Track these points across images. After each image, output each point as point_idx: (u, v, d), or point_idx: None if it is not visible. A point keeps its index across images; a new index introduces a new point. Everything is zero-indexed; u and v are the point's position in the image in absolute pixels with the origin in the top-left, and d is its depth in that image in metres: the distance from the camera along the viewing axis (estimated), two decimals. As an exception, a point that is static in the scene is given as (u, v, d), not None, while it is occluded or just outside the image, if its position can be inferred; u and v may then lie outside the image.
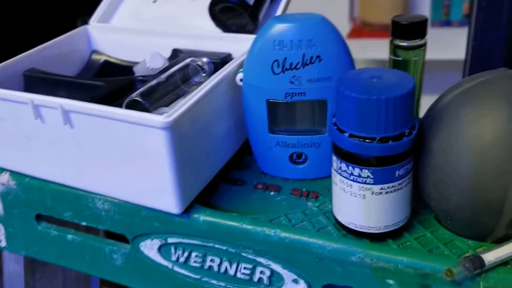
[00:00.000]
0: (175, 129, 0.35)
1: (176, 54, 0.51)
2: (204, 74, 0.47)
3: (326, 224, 0.39)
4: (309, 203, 0.42)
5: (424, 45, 0.45)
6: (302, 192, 0.44)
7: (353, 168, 0.33)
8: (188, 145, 0.38)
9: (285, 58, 0.39)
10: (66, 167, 0.43)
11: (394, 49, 0.45)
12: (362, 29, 1.17)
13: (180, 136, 0.37)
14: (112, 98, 0.42)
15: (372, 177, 0.33)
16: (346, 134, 0.32)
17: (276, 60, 0.39)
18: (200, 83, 0.46)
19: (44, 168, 0.45)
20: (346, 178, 0.34)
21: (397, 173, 0.33)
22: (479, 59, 0.41)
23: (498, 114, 0.30)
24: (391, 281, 0.36)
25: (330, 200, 0.42)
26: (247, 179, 0.46)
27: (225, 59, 0.49)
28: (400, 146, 0.32)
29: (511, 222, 0.32)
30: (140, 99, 0.38)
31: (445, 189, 0.33)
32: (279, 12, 0.52)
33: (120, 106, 0.40)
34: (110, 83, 0.43)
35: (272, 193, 0.44)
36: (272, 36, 0.39)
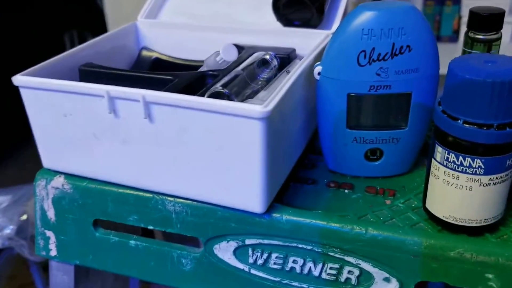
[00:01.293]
0: (270, 121, 0.35)
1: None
2: (271, 70, 0.47)
3: (417, 220, 0.39)
4: (388, 201, 0.42)
5: (500, 38, 0.45)
6: (378, 190, 0.43)
7: (464, 158, 0.33)
8: (276, 138, 0.37)
9: (373, 48, 0.39)
10: (135, 167, 0.41)
11: (471, 42, 0.45)
12: None
13: (273, 129, 0.36)
14: (183, 93, 0.42)
15: (483, 167, 0.33)
16: (460, 121, 0.32)
17: (363, 51, 0.39)
18: (268, 79, 0.46)
19: (108, 169, 0.43)
20: (453, 169, 0.34)
21: (507, 162, 0.33)
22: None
23: None
24: (490, 275, 0.36)
25: (415, 196, 0.42)
26: (316, 177, 0.46)
27: (291, 54, 0.49)
28: (516, 133, 0.32)
29: None
30: (224, 90, 0.38)
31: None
32: (341, 5, 0.53)
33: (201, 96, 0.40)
34: (180, 77, 0.43)
35: (346, 191, 0.44)
36: (361, 24, 0.39)
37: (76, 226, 0.47)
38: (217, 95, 0.39)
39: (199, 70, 0.46)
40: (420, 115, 0.42)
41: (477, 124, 0.31)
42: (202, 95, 0.39)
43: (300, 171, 0.47)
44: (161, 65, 0.54)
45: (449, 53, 1.13)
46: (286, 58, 0.48)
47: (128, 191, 0.43)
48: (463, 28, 1.14)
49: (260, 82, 0.46)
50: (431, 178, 0.36)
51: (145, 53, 0.55)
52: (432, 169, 0.36)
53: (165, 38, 0.55)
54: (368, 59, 0.39)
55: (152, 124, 0.38)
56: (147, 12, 0.57)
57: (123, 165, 0.42)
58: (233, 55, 0.44)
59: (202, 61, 0.53)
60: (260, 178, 0.37)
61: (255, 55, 0.46)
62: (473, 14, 0.44)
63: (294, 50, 0.50)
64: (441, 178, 0.35)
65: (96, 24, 1.48)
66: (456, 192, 0.34)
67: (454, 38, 1.16)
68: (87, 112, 0.40)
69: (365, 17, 0.39)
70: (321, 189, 0.44)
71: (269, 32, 0.52)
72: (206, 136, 0.37)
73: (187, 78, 0.43)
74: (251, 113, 0.34)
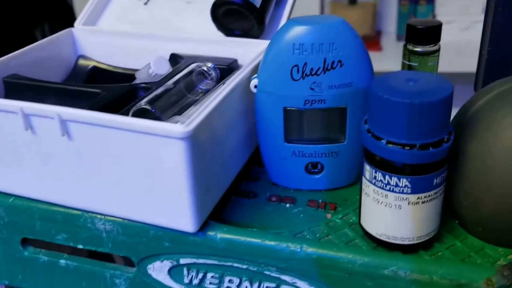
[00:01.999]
0: (194, 140, 0.34)
1: (175, 60, 0.51)
2: (210, 81, 0.47)
3: (353, 237, 0.39)
4: (329, 215, 0.42)
5: (439, 50, 0.46)
6: (319, 204, 0.44)
7: (390, 177, 0.33)
8: (205, 156, 0.37)
9: (305, 63, 0.39)
10: (61, 184, 0.40)
11: (409, 54, 0.46)
12: None
13: (198, 147, 0.35)
14: (112, 107, 0.41)
15: (410, 186, 0.33)
16: (383, 141, 0.33)
17: (295, 65, 0.39)
18: (206, 90, 0.46)
19: (34, 186, 0.42)
20: (382, 188, 0.34)
21: (434, 181, 0.34)
22: (495, 65, 0.43)
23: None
24: (424, 294, 0.36)
25: (353, 211, 0.42)
26: (258, 191, 0.46)
27: (232, 65, 0.48)
28: (440, 152, 0.32)
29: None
30: (149, 107, 0.37)
31: (480, 196, 0.34)
32: (284, 15, 0.53)
33: (126, 113, 0.39)
34: (109, 91, 0.42)
35: (287, 205, 0.44)
36: (292, 39, 0.39)
37: (3, 245, 0.46)
38: (142, 112, 0.38)
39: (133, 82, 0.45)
40: (358, 129, 0.43)
41: (400, 144, 0.32)
42: (128, 111, 0.39)
43: (243, 183, 0.47)
44: (98, 74, 0.53)
45: None
46: (226, 69, 0.48)
47: (56, 209, 0.42)
48: None
49: (199, 93, 0.45)
50: (362, 195, 0.37)
51: (82, 62, 0.53)
52: (363, 186, 0.36)
53: (103, 46, 0.54)
54: (301, 74, 0.39)
55: (71, 142, 0.37)
56: (85, 18, 0.56)
57: (47, 182, 0.41)
58: (164, 68, 0.43)
59: (142, 70, 0.52)
60: (189, 197, 0.37)
61: (192, 65, 0.45)
62: (410, 27, 0.45)
63: (235, 60, 0.50)
64: (371, 196, 0.35)
65: (67, 18, 1.46)
66: (386, 211, 0.35)
67: None
68: (5, 128, 0.39)
69: (296, 32, 0.39)
70: (262, 203, 0.44)
71: (211, 41, 0.51)
72: (128, 155, 0.36)
73: (116, 91, 0.42)
74: (172, 133, 0.34)
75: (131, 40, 0.53)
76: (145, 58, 0.52)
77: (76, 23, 0.55)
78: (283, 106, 0.41)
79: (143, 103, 0.38)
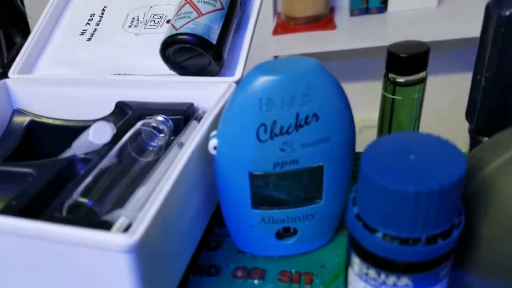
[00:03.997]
0: (141, 248, 0.25)
1: (121, 109, 0.40)
2: (162, 135, 0.37)
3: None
4: (306, 291, 0.33)
5: (426, 77, 0.37)
6: (293, 276, 0.34)
7: (387, 275, 0.25)
8: (157, 255, 0.27)
9: (274, 121, 0.30)
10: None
11: (392, 86, 0.37)
12: (287, 24, 1.14)
13: (148, 252, 0.26)
14: (49, 191, 0.31)
15: (411, 285, 0.25)
16: (379, 234, 0.24)
17: (263, 124, 0.30)
18: (159, 147, 0.36)
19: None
20: (375, 287, 0.25)
21: (441, 274, 0.25)
22: (494, 94, 0.34)
23: None
24: None
25: (333, 283, 0.34)
26: (221, 263, 0.36)
27: (187, 112, 0.39)
28: (450, 243, 0.24)
29: None
30: (84, 200, 0.28)
31: (496, 285, 0.26)
32: (245, 44, 0.43)
33: (60, 205, 0.29)
34: (42, 169, 0.32)
35: (256, 281, 0.34)
36: (257, 93, 0.29)
37: None
38: (77, 206, 0.28)
39: (66, 152, 0.35)
40: (337, 184, 0.33)
41: (401, 239, 0.23)
42: (60, 207, 0.29)
43: (203, 254, 0.37)
44: (36, 129, 0.42)
45: (378, 25, 1.10)
46: (180, 120, 0.38)
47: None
48: None
49: (151, 153, 0.36)
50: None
51: (17, 118, 0.43)
52: (350, 279, 0.27)
53: (41, 97, 0.43)
54: (270, 134, 0.30)
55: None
56: (21, 65, 0.45)
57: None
58: (106, 136, 0.33)
59: (86, 121, 0.42)
60: None
61: (139, 124, 0.35)
62: (392, 55, 0.36)
63: (191, 105, 0.40)
64: (363, 290, 0.26)
65: (20, 24, 1.33)
66: (383, 308, 0.26)
67: (382, 8, 1.13)
68: None
69: (262, 84, 0.29)
70: (226, 281, 0.35)
71: (162, 84, 0.41)
72: (62, 266, 0.26)
73: (51, 168, 0.32)
74: (113, 246, 0.24)
75: (72, 87, 0.43)
76: (89, 107, 0.42)
77: (10, 72, 0.44)
78: (249, 171, 0.32)
79: (76, 196, 0.28)
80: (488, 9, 0.30)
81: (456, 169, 0.22)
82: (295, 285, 0.34)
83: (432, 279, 0.24)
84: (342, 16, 1.16)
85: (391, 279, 0.24)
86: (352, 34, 1.10)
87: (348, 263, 0.27)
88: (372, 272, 0.25)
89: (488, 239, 0.25)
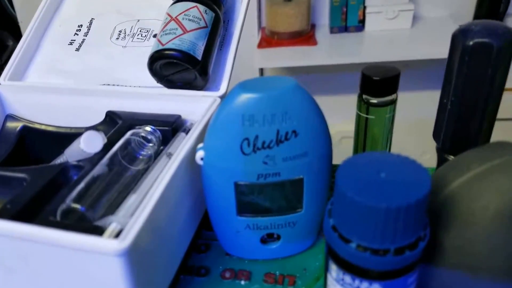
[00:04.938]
0: (132, 253, 0.25)
1: (111, 119, 0.41)
2: (151, 145, 0.38)
3: (318, 327, 0.32)
4: (288, 292, 0.35)
5: (396, 99, 0.39)
6: (277, 278, 0.36)
7: (360, 281, 0.26)
8: (148, 258, 0.28)
9: (256, 136, 0.31)
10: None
11: (366, 106, 0.39)
12: (271, 39, 1.16)
13: (139, 256, 0.26)
14: (42, 196, 0.31)
15: (383, 289, 0.26)
16: (353, 245, 0.25)
17: (246, 139, 0.31)
18: (149, 156, 0.37)
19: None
20: (351, 291, 0.27)
21: (409, 281, 0.26)
22: (459, 117, 0.36)
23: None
24: None
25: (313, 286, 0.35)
26: (210, 264, 0.37)
27: (175, 123, 0.39)
28: (416, 254, 0.25)
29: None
30: (77, 206, 0.28)
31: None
32: (229, 60, 0.44)
33: (54, 210, 0.30)
34: (36, 174, 0.32)
35: (242, 282, 0.36)
36: (240, 109, 0.30)
37: None
38: (70, 211, 0.29)
39: (58, 158, 0.35)
40: (317, 194, 0.35)
41: (372, 250, 0.24)
42: (54, 212, 0.29)
43: (193, 256, 0.38)
44: (29, 135, 0.43)
45: (356, 42, 1.13)
46: (168, 131, 0.39)
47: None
48: (368, 17, 1.14)
49: (141, 162, 0.36)
50: (328, 289, 0.29)
51: (10, 124, 0.43)
52: (328, 282, 0.28)
53: (33, 104, 0.43)
54: (253, 147, 0.31)
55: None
56: (11, 72, 0.45)
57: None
58: (97, 145, 0.34)
59: (77, 128, 0.42)
60: None
61: (128, 134, 0.36)
62: (366, 77, 0.37)
63: (179, 116, 0.40)
64: (338, 294, 0.28)
65: (12, 28, 1.31)
66: (356, 311, 0.27)
67: (360, 27, 1.17)
68: None
69: (245, 101, 0.30)
70: (214, 281, 0.36)
71: (150, 96, 0.42)
72: (57, 269, 0.27)
73: (45, 174, 0.33)
74: (104, 250, 0.25)
75: (63, 96, 0.43)
76: (80, 115, 0.42)
77: (1, 78, 0.44)
78: (234, 181, 0.33)
79: (69, 201, 0.29)
80: (454, 38, 0.32)
81: (421, 187, 0.23)
82: (279, 286, 0.35)
83: (401, 285, 0.26)
84: (322, 33, 1.19)
85: (364, 285, 0.26)
86: (332, 50, 1.13)
87: (326, 268, 0.28)
88: (347, 278, 0.26)
89: (450, 250, 0.27)
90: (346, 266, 0.26)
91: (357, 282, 0.26)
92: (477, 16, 1.13)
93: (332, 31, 1.17)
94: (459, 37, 0.32)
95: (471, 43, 0.31)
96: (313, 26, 1.22)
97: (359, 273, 0.25)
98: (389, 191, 0.23)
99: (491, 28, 0.30)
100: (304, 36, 1.16)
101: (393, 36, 1.13)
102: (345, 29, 1.17)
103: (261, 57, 1.12)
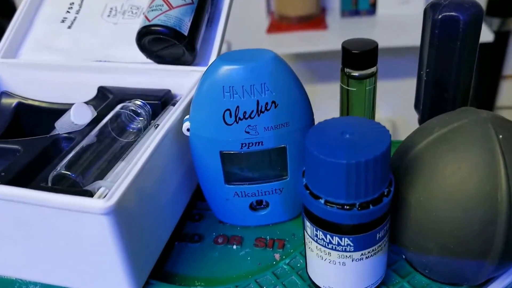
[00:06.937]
0: (118, 212, 0.28)
1: (103, 94, 0.44)
2: (141, 118, 0.41)
3: (301, 285, 0.35)
4: (277, 255, 0.38)
5: (376, 72, 0.42)
6: (267, 242, 0.39)
7: (332, 236, 0.29)
8: (136, 220, 0.31)
9: (237, 107, 0.34)
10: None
11: (348, 79, 0.42)
12: (280, 23, 1.17)
13: (126, 215, 0.29)
14: (35, 165, 0.35)
15: (352, 245, 0.29)
16: (322, 201, 0.28)
17: (227, 109, 0.34)
18: (139, 129, 0.40)
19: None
20: (324, 246, 0.30)
21: (377, 236, 0.30)
22: (433, 87, 0.39)
23: (479, 164, 0.28)
24: None
25: (300, 253, 0.38)
26: (204, 232, 0.40)
27: (165, 97, 0.42)
28: (380, 208, 0.28)
29: (495, 270, 0.31)
30: (68, 173, 0.32)
31: (425, 244, 0.30)
32: (218, 35, 0.47)
33: (45, 177, 0.33)
34: (29, 146, 0.36)
35: (234, 246, 0.39)
36: (221, 81, 0.33)
37: None
38: (62, 178, 0.32)
39: (52, 133, 0.39)
40: (301, 163, 0.38)
41: (339, 205, 0.28)
42: (48, 173, 0.33)
43: (187, 224, 0.41)
44: (24, 111, 0.46)
45: (368, 26, 1.14)
46: (158, 105, 0.42)
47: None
48: (380, 1, 1.14)
49: (131, 134, 0.40)
50: (306, 249, 0.32)
51: (5, 100, 0.46)
52: (306, 241, 0.32)
53: (27, 80, 0.46)
54: (235, 118, 0.34)
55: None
56: (4, 50, 0.48)
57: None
58: (86, 117, 0.37)
59: (70, 104, 0.45)
60: (123, 268, 0.31)
61: (118, 107, 0.39)
62: (346, 50, 0.40)
63: (169, 91, 0.43)
64: (314, 252, 0.31)
65: (9, 12, 1.35)
66: (331, 267, 0.30)
67: (371, 11, 1.16)
68: None
69: (225, 73, 0.33)
70: (207, 247, 0.39)
71: (140, 71, 0.45)
72: (50, 230, 0.30)
73: (37, 145, 0.36)
74: (91, 209, 0.28)
75: (56, 72, 0.46)
76: (73, 91, 0.45)
77: (-5, 56, 0.48)
78: (219, 150, 0.36)
79: (59, 168, 0.32)
80: (425, 12, 0.35)
81: (381, 145, 0.26)
82: (269, 249, 0.38)
83: (370, 239, 0.29)
84: (333, 17, 1.18)
85: (335, 240, 0.29)
86: (343, 34, 1.13)
87: (303, 227, 0.31)
88: (320, 233, 0.29)
89: (416, 206, 0.30)
90: (318, 222, 0.29)
91: (328, 237, 0.29)
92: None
93: (343, 14, 1.16)
94: (429, 11, 0.34)
95: (439, 16, 0.34)
96: (323, 10, 1.22)
97: (330, 229, 0.29)
98: (351, 149, 0.26)
99: (459, 2, 0.33)
100: (314, 20, 1.16)
101: (405, 20, 1.12)
102: (356, 12, 1.16)
103: (270, 42, 1.11)
